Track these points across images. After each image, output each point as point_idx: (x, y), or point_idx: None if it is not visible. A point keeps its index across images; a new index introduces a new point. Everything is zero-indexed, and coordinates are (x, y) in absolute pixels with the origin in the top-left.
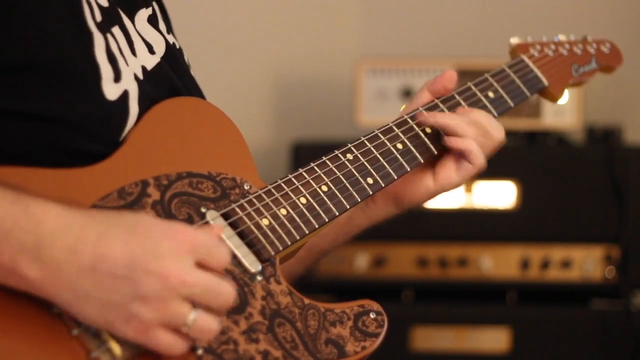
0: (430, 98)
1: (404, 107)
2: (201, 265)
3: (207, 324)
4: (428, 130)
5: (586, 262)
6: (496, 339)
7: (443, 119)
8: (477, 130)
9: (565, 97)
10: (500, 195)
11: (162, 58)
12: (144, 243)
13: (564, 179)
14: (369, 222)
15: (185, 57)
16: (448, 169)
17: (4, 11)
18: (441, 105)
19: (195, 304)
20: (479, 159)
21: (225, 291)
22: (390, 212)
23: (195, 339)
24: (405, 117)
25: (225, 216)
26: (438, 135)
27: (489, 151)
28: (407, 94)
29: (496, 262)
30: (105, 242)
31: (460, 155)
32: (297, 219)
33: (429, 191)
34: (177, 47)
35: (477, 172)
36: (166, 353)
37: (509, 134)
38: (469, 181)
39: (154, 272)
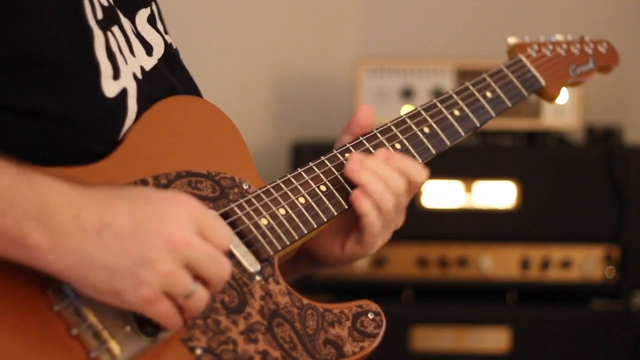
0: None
1: (404, 107)
2: (202, 235)
3: (202, 299)
4: (426, 130)
5: (586, 262)
6: (496, 339)
7: (360, 178)
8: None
9: (564, 97)
10: (500, 195)
11: (160, 59)
12: (147, 209)
13: (564, 179)
14: (289, 279)
15: (182, 58)
16: (352, 239)
17: (4, 7)
18: (439, 105)
19: (196, 273)
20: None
21: (225, 263)
22: (308, 271)
23: (189, 311)
24: (404, 117)
25: (224, 216)
26: (436, 134)
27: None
28: (407, 94)
29: (496, 262)
30: (108, 210)
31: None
32: (296, 219)
33: (338, 259)
34: (174, 47)
35: (381, 240)
36: (166, 325)
37: (509, 134)
38: (375, 250)
39: (159, 232)
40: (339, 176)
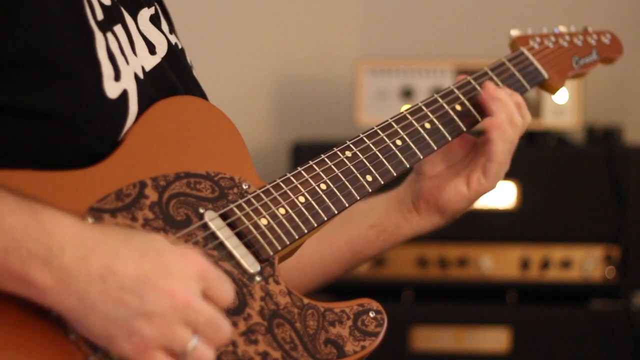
0: None
1: (404, 107)
2: (206, 296)
3: (204, 354)
4: (427, 125)
5: (586, 262)
6: (496, 339)
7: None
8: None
9: (565, 96)
10: (500, 195)
11: (163, 58)
12: (156, 262)
13: (564, 179)
14: (415, 232)
15: (188, 58)
16: (477, 173)
17: (4, 9)
18: (441, 100)
19: (195, 332)
20: (502, 160)
21: (225, 328)
22: (436, 222)
23: None
24: (404, 112)
25: (224, 216)
26: (437, 130)
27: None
28: (407, 94)
29: (496, 262)
30: (116, 257)
31: (484, 159)
32: (296, 218)
33: (464, 197)
34: (180, 47)
35: (503, 172)
36: None
37: None
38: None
39: (162, 289)
40: (339, 174)
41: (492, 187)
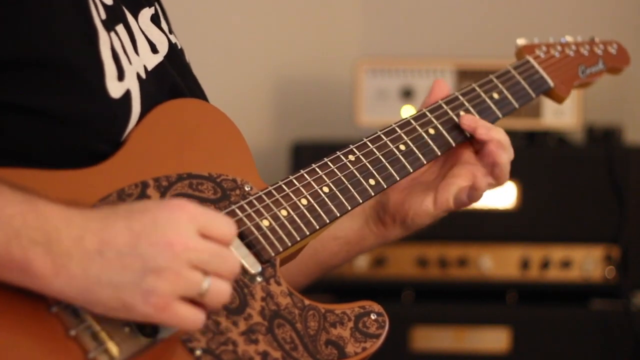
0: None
1: (404, 107)
2: (203, 235)
3: (221, 289)
4: (431, 131)
5: (586, 262)
6: (496, 339)
7: (497, 149)
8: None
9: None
10: (500, 195)
11: (164, 57)
12: (143, 219)
13: (564, 179)
14: (380, 242)
15: (187, 58)
16: (447, 194)
17: (10, 7)
18: (445, 106)
19: (205, 271)
20: (479, 197)
21: (230, 256)
22: (399, 234)
23: (211, 307)
24: (409, 118)
25: None
26: (441, 136)
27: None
28: (407, 94)
29: (496, 262)
30: (107, 227)
31: (464, 188)
32: (298, 220)
33: (429, 214)
34: (179, 47)
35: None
36: (187, 327)
37: (509, 133)
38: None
39: (158, 242)
40: (342, 177)
41: (466, 204)
